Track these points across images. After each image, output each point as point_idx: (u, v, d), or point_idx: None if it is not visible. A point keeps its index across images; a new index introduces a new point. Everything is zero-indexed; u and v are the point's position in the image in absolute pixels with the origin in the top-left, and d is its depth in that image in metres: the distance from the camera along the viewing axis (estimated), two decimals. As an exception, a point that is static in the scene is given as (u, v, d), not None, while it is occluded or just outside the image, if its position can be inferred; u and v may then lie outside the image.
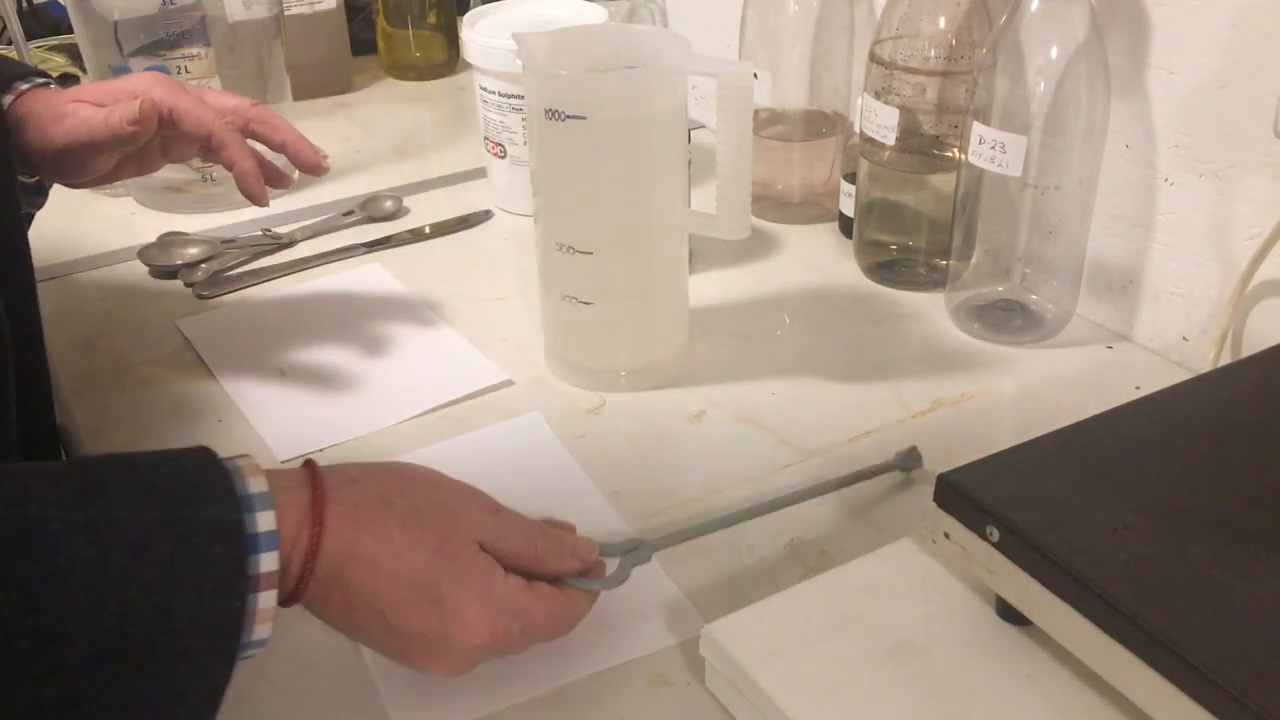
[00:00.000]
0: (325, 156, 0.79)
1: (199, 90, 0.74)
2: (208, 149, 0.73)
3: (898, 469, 0.67)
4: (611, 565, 0.57)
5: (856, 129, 0.87)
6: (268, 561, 0.44)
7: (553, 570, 0.53)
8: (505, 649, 0.51)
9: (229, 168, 0.72)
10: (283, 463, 0.68)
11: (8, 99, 0.70)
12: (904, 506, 0.65)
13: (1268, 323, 0.71)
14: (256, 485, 0.44)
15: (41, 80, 0.72)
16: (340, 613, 0.48)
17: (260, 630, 0.44)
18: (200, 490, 0.43)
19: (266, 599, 0.44)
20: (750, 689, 0.50)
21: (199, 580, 0.41)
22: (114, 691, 0.40)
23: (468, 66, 0.99)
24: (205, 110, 0.71)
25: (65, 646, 0.39)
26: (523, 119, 0.93)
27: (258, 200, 0.73)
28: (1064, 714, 0.48)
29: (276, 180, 0.76)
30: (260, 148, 0.76)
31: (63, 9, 1.06)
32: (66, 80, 0.87)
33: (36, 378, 0.69)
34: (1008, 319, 0.81)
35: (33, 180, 0.73)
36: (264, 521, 0.44)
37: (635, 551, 0.57)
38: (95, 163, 0.72)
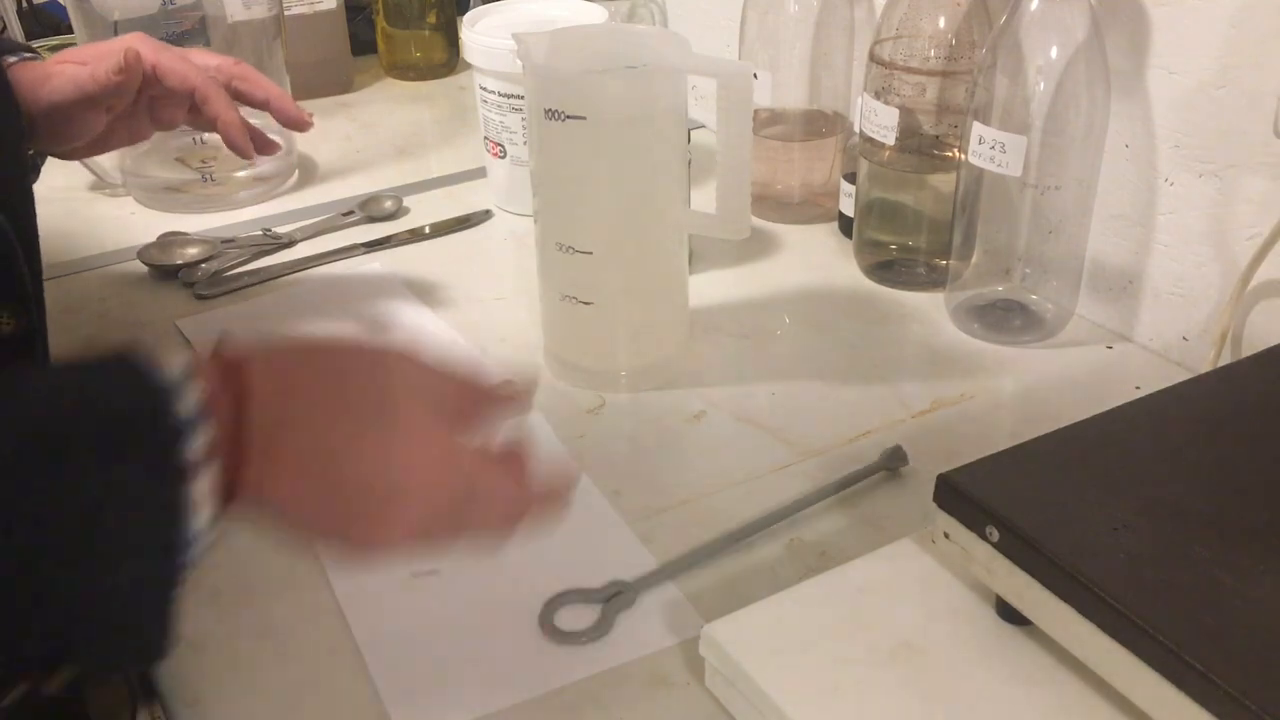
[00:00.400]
0: (310, 115, 0.79)
1: (182, 49, 0.75)
2: (194, 109, 0.74)
3: (884, 469, 0.67)
4: (595, 614, 0.58)
5: (856, 129, 0.87)
6: (199, 447, 0.41)
7: (485, 408, 0.50)
8: (455, 510, 0.47)
9: (213, 122, 0.73)
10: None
11: None
12: (904, 506, 0.65)
13: (1268, 323, 0.71)
14: (176, 371, 0.42)
15: (29, 54, 0.73)
16: (289, 473, 0.44)
17: (200, 518, 0.42)
18: (116, 378, 0.42)
19: (201, 486, 0.41)
20: (750, 689, 0.50)
21: (125, 468, 0.40)
22: (57, 584, 0.39)
23: (468, 66, 0.99)
24: (189, 66, 0.73)
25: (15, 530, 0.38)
26: (523, 119, 0.93)
27: (243, 153, 0.74)
28: (1064, 714, 0.48)
29: (264, 145, 0.77)
30: (246, 111, 0.78)
31: (63, 9, 1.06)
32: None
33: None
34: (1007, 319, 0.81)
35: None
36: (188, 405, 0.41)
37: (619, 597, 0.58)
38: (84, 121, 0.72)
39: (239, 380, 0.44)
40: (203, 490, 0.42)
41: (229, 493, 0.43)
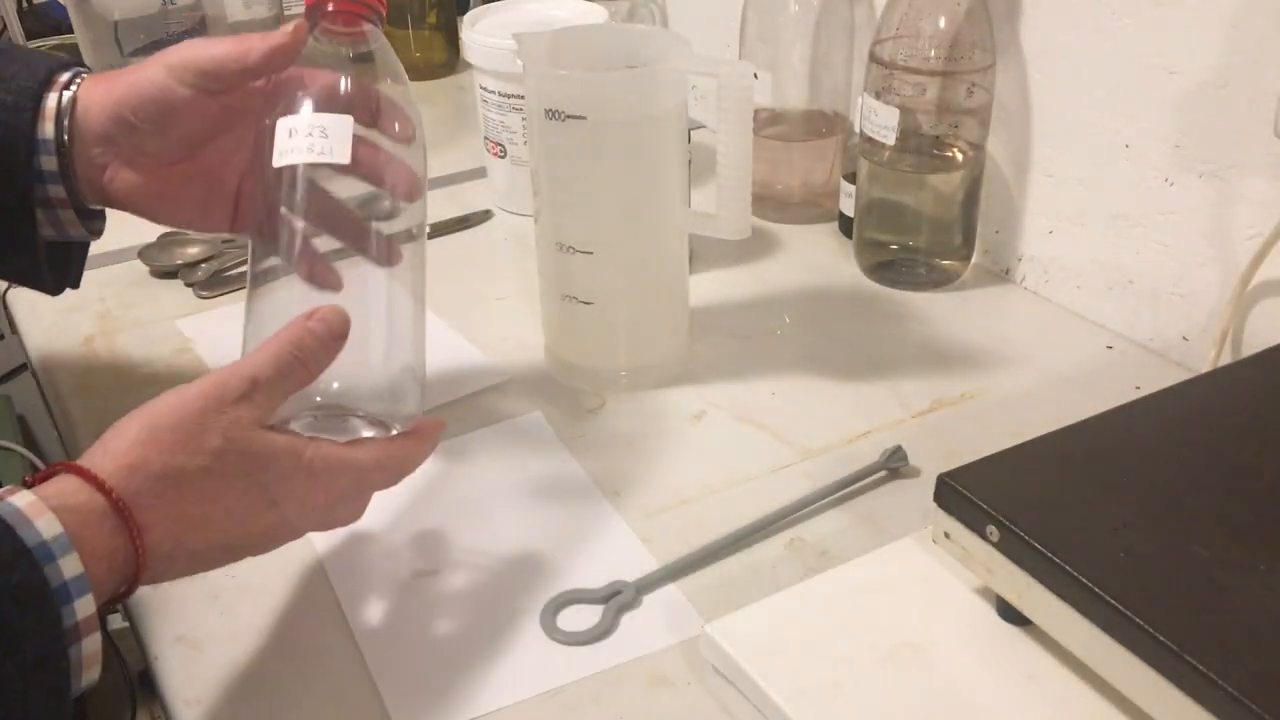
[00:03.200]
0: None
1: None
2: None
3: (884, 469, 0.67)
4: (597, 615, 0.58)
5: (856, 129, 0.87)
6: (83, 607, 0.42)
7: (324, 363, 0.52)
8: (350, 502, 0.55)
9: None
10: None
11: (53, 97, 0.61)
12: (904, 506, 0.65)
13: (1268, 323, 0.71)
14: (48, 528, 0.42)
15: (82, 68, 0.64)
16: (180, 572, 0.50)
17: (89, 676, 0.43)
18: None
19: (90, 644, 0.43)
20: (750, 689, 0.50)
21: (18, 658, 0.40)
22: None
23: (468, 66, 0.99)
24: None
25: None
26: (523, 119, 0.93)
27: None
28: (1064, 714, 0.48)
29: None
30: None
31: (63, 9, 1.06)
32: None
33: None
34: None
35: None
36: (68, 567, 0.42)
37: (619, 597, 0.58)
38: (192, 111, 0.61)
39: (122, 519, 0.45)
40: (91, 647, 0.43)
41: (110, 604, 0.46)
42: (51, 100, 0.61)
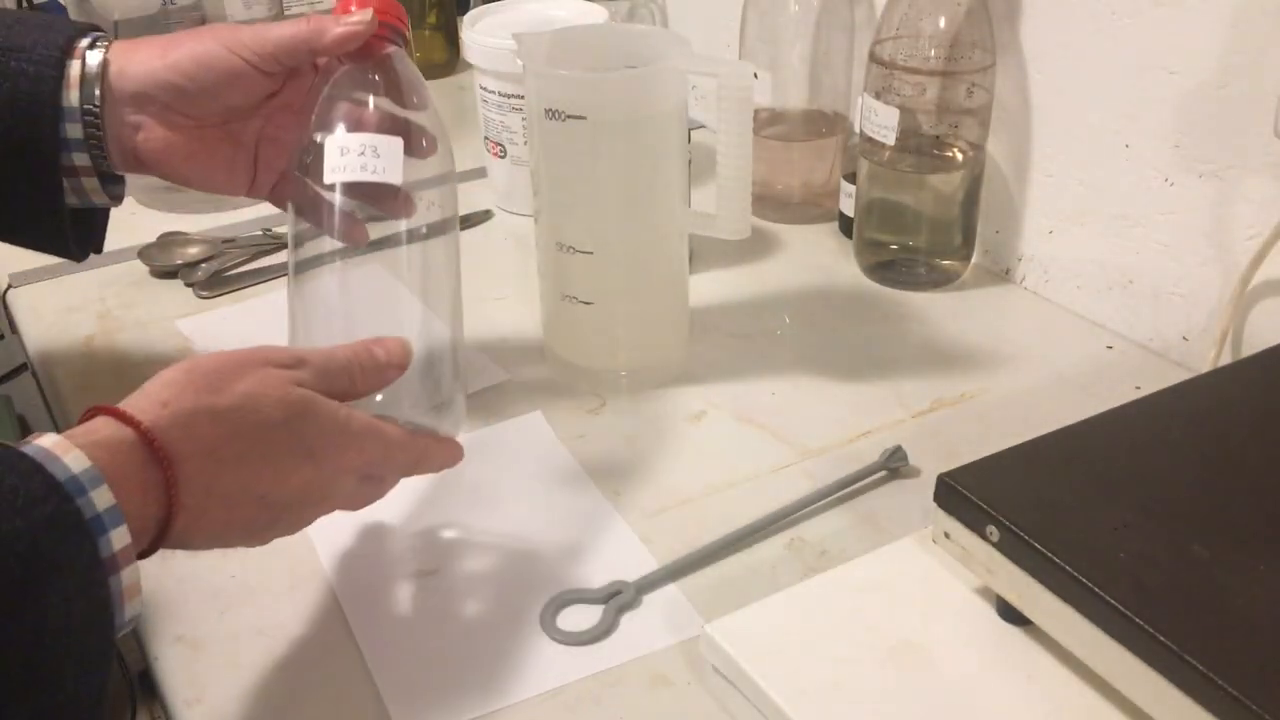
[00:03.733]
0: None
1: None
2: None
3: (884, 469, 0.67)
4: (597, 615, 0.58)
5: (856, 129, 0.87)
6: (118, 538, 0.42)
7: (373, 385, 0.55)
8: (373, 481, 0.56)
9: None
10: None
11: (76, 63, 0.62)
12: (904, 506, 0.65)
13: (1268, 323, 0.71)
14: (76, 463, 0.42)
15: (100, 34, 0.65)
16: (217, 522, 0.48)
17: (131, 608, 0.43)
18: (20, 494, 0.40)
19: (129, 574, 0.42)
20: (750, 689, 0.50)
21: (59, 589, 0.40)
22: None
23: (468, 66, 0.99)
24: None
25: None
26: (523, 119, 0.93)
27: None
28: (1064, 714, 0.48)
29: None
30: None
31: (63, 9, 1.06)
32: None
33: None
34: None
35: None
36: (100, 499, 0.42)
37: (619, 597, 0.58)
38: (250, 83, 0.64)
39: (153, 450, 0.45)
40: (131, 578, 0.43)
41: (153, 546, 0.46)
42: (74, 68, 0.62)
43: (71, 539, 0.41)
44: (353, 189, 0.61)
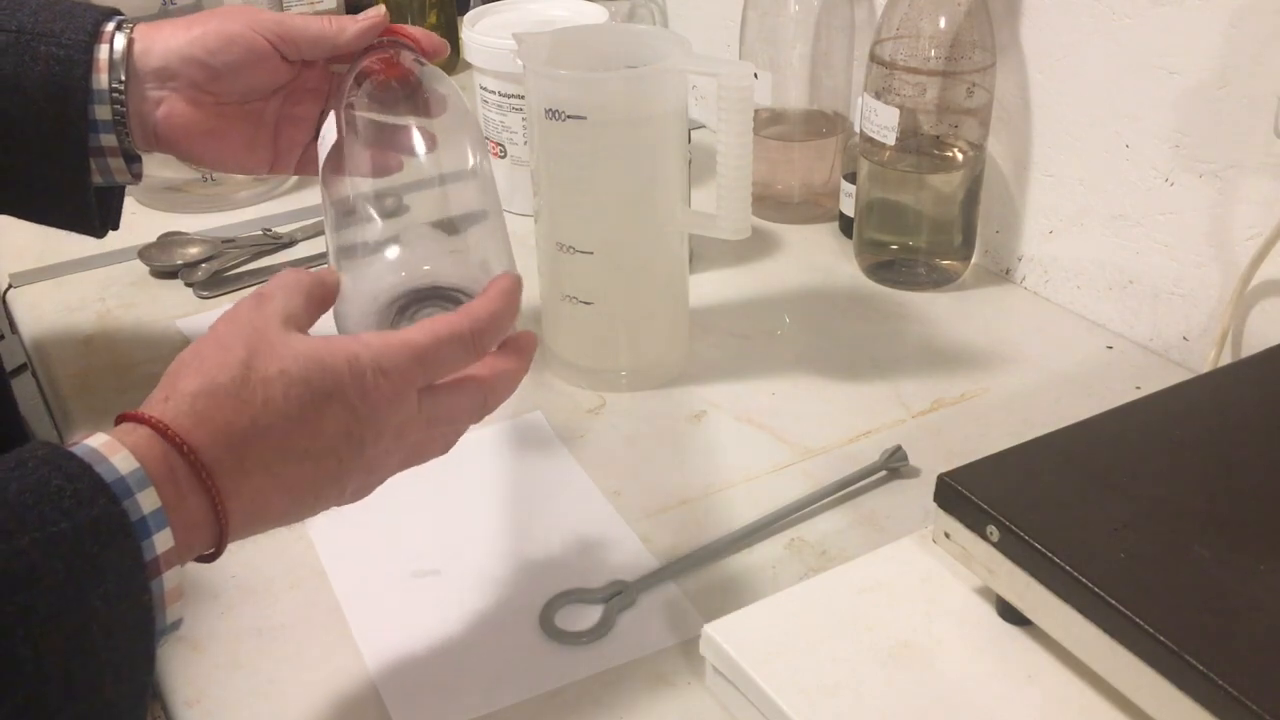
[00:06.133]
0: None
1: None
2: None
3: (884, 469, 0.67)
4: (597, 614, 0.58)
5: (856, 129, 0.87)
6: (161, 541, 0.41)
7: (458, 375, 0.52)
8: (443, 440, 0.53)
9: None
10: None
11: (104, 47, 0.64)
12: (904, 506, 0.65)
13: (1268, 323, 0.71)
14: (124, 464, 0.41)
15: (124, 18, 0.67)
16: (271, 492, 0.46)
17: (173, 612, 0.42)
18: (66, 494, 0.39)
19: (171, 578, 0.42)
20: (750, 689, 0.50)
21: (102, 593, 0.39)
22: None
23: (468, 66, 0.99)
24: None
25: None
26: (523, 119, 0.93)
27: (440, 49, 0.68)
28: (1064, 714, 0.48)
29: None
30: None
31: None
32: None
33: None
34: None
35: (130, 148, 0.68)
36: (146, 501, 0.41)
37: (619, 597, 0.58)
38: (268, 68, 0.66)
39: (170, 441, 0.44)
40: (173, 582, 0.42)
41: (218, 546, 0.45)
42: (103, 52, 0.64)
43: (116, 542, 0.40)
44: (383, 135, 0.62)
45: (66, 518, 0.39)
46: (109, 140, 0.65)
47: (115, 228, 0.73)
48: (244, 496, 0.45)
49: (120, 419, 0.45)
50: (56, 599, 0.38)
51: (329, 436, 0.46)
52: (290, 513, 0.47)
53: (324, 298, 0.52)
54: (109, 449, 0.42)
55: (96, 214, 0.68)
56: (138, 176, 0.69)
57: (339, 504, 0.49)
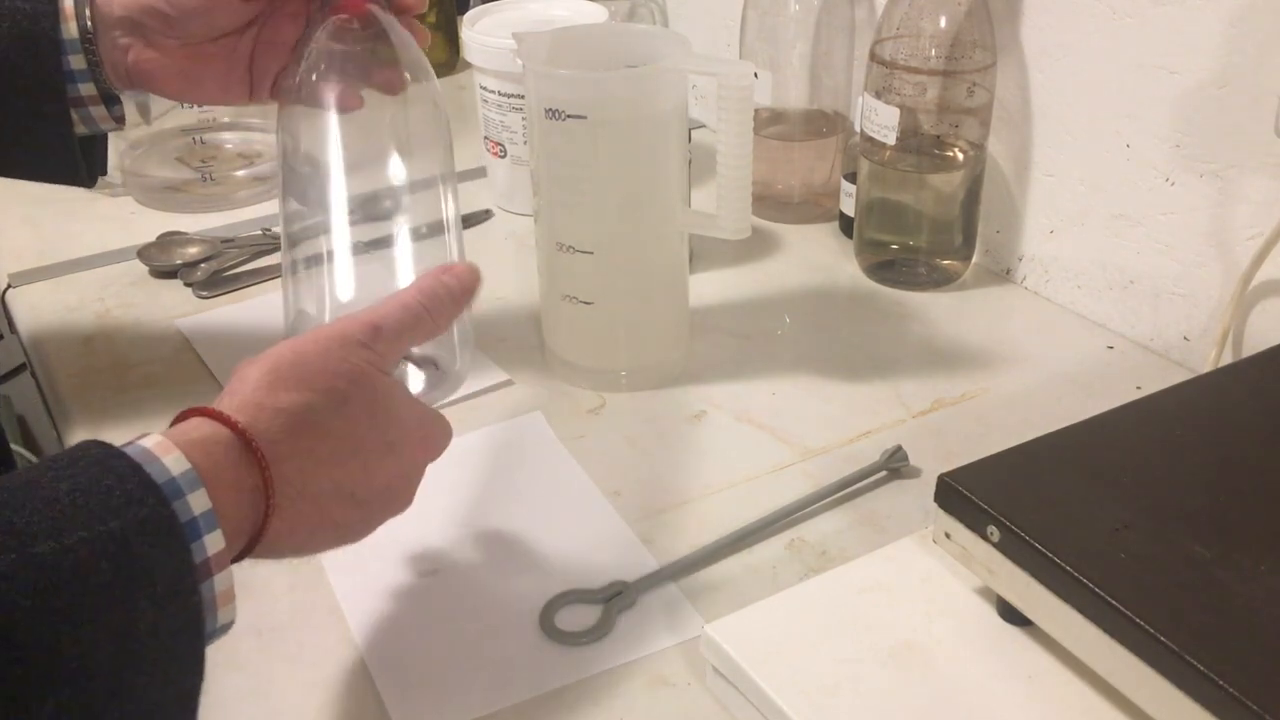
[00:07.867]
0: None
1: None
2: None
3: (884, 469, 0.67)
4: (597, 615, 0.58)
5: (857, 129, 0.87)
6: (212, 543, 0.41)
7: (451, 315, 0.55)
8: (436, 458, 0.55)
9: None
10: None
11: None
12: (904, 506, 0.65)
13: (1268, 323, 0.71)
14: (176, 465, 0.41)
15: None
16: (309, 523, 0.47)
17: (224, 614, 0.42)
18: (116, 494, 0.40)
19: (222, 580, 0.42)
20: (750, 689, 0.50)
21: (149, 590, 0.39)
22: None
23: (468, 66, 0.99)
24: None
25: (33, 708, 0.36)
26: (523, 119, 0.93)
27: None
28: (1064, 714, 0.48)
29: None
30: None
31: None
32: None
33: None
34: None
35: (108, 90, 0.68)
36: (197, 503, 0.41)
37: (619, 597, 0.58)
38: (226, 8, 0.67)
39: (250, 451, 0.44)
40: (224, 584, 0.42)
41: (244, 553, 0.45)
42: (68, 1, 0.65)
43: (165, 543, 0.40)
44: (347, 68, 0.63)
45: (115, 517, 0.39)
46: (87, 89, 0.66)
47: (103, 173, 0.74)
48: (288, 519, 0.46)
49: (189, 413, 0.46)
50: (103, 598, 0.38)
51: (378, 484, 0.50)
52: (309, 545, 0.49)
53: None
54: (161, 449, 0.42)
55: (83, 164, 0.69)
56: (120, 120, 0.70)
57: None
